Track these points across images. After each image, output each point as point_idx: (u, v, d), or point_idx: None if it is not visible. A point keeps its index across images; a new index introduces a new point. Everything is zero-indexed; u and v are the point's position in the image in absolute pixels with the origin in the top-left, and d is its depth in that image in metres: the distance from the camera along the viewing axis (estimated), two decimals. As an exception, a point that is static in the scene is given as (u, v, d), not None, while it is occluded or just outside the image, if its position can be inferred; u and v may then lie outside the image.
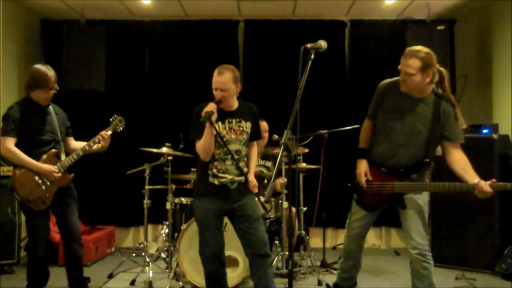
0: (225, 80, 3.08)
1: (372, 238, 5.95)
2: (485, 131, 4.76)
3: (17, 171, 3.43)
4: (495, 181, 2.86)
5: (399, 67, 3.01)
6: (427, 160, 3.06)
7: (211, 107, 2.99)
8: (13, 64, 5.40)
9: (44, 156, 3.47)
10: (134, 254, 5.27)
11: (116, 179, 5.63)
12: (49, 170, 3.44)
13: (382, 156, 3.17)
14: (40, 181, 3.45)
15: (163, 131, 5.53)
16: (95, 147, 3.60)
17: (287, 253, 4.14)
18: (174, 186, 4.50)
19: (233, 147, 3.14)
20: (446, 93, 3.02)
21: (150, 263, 4.36)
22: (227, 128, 3.16)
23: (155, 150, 4.44)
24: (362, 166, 3.21)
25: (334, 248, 5.76)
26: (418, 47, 2.97)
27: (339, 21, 5.98)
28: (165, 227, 4.68)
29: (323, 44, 2.56)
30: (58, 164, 3.51)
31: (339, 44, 5.95)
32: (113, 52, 5.65)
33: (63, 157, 3.59)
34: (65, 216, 3.58)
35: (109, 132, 3.65)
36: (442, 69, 3.04)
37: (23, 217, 4.73)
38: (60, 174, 3.48)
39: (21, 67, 5.52)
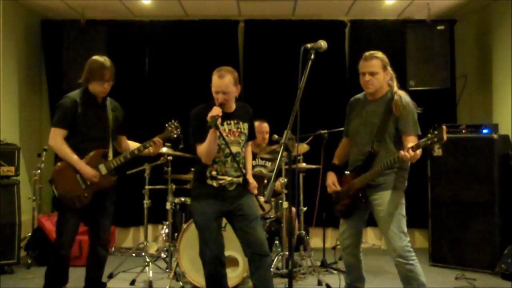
0: (226, 83, 3.06)
1: (372, 238, 5.95)
2: (485, 131, 4.76)
3: (60, 165, 3.31)
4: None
5: (361, 71, 3.18)
6: (373, 149, 3.10)
7: (216, 111, 2.95)
8: (13, 64, 5.40)
9: (91, 154, 3.34)
10: (134, 254, 5.27)
11: (116, 179, 5.61)
12: (90, 174, 3.30)
13: (355, 159, 3.25)
14: (81, 180, 3.32)
15: (163, 131, 5.50)
16: (145, 151, 3.48)
17: (287, 253, 4.14)
18: (174, 186, 4.50)
19: (232, 149, 3.11)
20: (394, 90, 3.17)
21: (150, 263, 4.36)
22: (226, 130, 3.14)
23: (155, 150, 4.44)
24: (329, 178, 3.36)
25: (334, 248, 5.75)
26: (372, 51, 3.19)
27: (339, 21, 5.98)
28: (165, 227, 4.68)
29: (323, 44, 2.56)
30: (102, 165, 3.37)
31: (339, 44, 5.95)
32: (113, 52, 5.60)
33: (110, 157, 3.44)
34: (98, 218, 3.44)
35: (162, 139, 3.51)
36: (391, 70, 3.22)
37: (23, 217, 4.76)
38: (98, 180, 3.34)
39: (21, 67, 5.53)
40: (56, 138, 3.28)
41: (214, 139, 2.99)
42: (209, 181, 3.13)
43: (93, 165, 3.35)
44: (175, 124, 3.56)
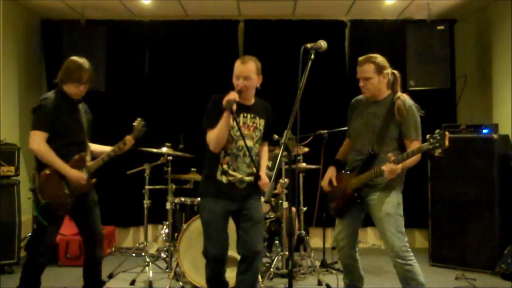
0: (248, 69, 3.01)
1: (372, 238, 5.95)
2: (485, 131, 4.77)
3: (46, 172, 3.19)
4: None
5: (357, 76, 3.19)
6: (373, 151, 3.09)
7: (233, 95, 2.87)
8: (13, 64, 5.39)
9: (75, 158, 3.27)
10: (134, 254, 5.27)
11: (116, 179, 5.62)
12: (78, 176, 3.24)
13: (354, 159, 3.25)
14: (65, 185, 3.24)
15: (163, 131, 5.52)
16: (119, 151, 3.46)
17: (287, 253, 4.14)
18: (174, 186, 4.50)
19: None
20: (398, 95, 3.13)
21: (150, 263, 4.36)
22: (241, 122, 3.05)
23: (155, 150, 4.44)
24: (328, 173, 3.38)
25: (334, 248, 5.75)
26: (366, 56, 3.17)
27: (339, 21, 5.98)
28: (165, 227, 4.68)
29: (323, 44, 2.56)
30: (84, 169, 3.33)
31: (339, 44, 5.96)
32: (113, 52, 5.65)
33: (89, 160, 3.40)
34: (86, 219, 3.40)
35: (133, 138, 3.51)
36: (395, 71, 3.19)
37: (23, 217, 4.75)
38: (86, 183, 3.30)
39: (21, 67, 5.53)
40: (40, 142, 3.15)
41: (226, 123, 2.90)
42: (218, 176, 3.05)
43: (78, 169, 3.29)
44: (143, 122, 3.62)
